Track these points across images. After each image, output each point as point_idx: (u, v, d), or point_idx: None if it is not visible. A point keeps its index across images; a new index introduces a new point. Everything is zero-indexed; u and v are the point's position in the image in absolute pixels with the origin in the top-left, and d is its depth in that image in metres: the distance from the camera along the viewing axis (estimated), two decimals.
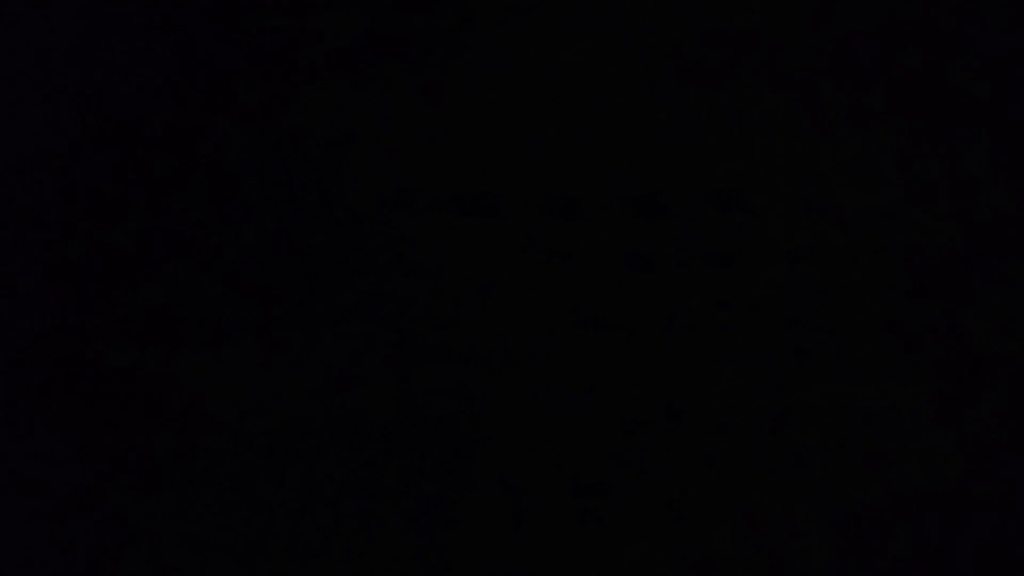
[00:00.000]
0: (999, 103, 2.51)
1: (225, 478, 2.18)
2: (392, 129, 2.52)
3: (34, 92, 2.49)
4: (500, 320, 2.35)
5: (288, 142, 2.50)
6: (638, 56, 2.57)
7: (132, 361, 2.31)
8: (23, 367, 2.31)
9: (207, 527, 2.13)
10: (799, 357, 2.32)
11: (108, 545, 2.11)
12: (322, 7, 2.56)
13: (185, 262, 2.40)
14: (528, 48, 2.58)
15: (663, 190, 2.45)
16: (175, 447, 2.21)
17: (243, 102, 2.52)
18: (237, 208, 2.44)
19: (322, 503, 2.17)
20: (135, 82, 2.50)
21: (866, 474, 2.19)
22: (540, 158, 2.49)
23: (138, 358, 2.32)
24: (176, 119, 2.50)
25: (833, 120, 2.50)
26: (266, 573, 2.10)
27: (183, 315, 2.36)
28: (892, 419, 2.26)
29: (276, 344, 2.33)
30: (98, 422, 2.24)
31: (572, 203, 2.45)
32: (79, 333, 2.34)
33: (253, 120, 2.51)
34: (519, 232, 2.42)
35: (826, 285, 2.39)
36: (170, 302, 2.37)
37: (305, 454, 2.21)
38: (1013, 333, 2.35)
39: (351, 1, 2.56)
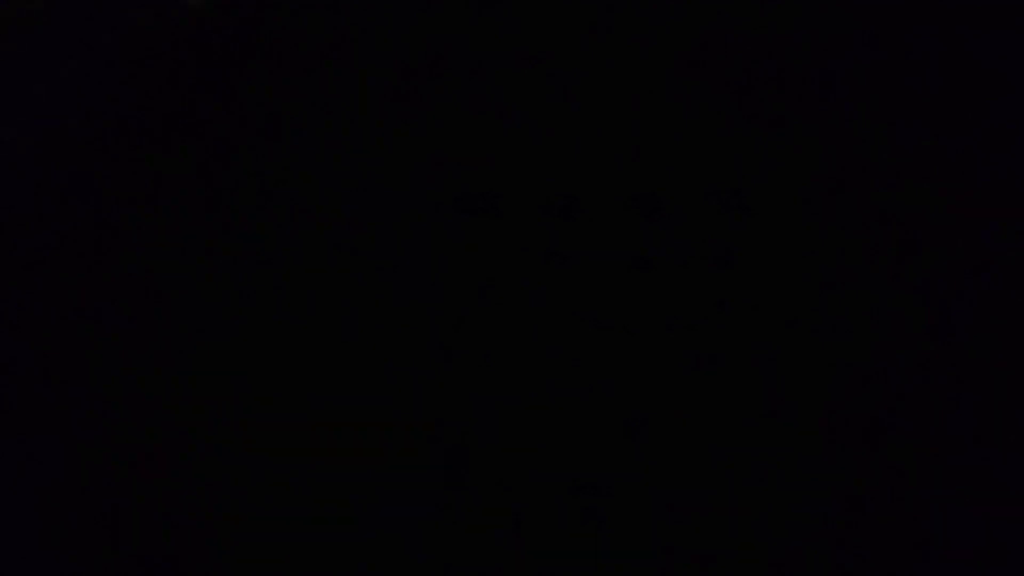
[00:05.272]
0: (1000, 103, 2.51)
1: (222, 477, 2.18)
2: (391, 128, 2.52)
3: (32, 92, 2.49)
4: (500, 320, 2.35)
5: (285, 142, 2.50)
6: (638, 55, 2.57)
7: (130, 358, 2.31)
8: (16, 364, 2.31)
9: (201, 526, 2.13)
10: (799, 357, 2.32)
11: (103, 544, 2.11)
12: (319, 6, 2.56)
13: (180, 258, 2.40)
14: (528, 47, 2.58)
15: (663, 190, 2.45)
16: (172, 445, 2.21)
17: (240, 100, 2.52)
18: (234, 207, 2.45)
19: (320, 502, 2.17)
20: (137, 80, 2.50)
21: (868, 475, 2.19)
22: (540, 158, 2.49)
23: (136, 355, 2.32)
24: (172, 115, 2.50)
25: (833, 120, 2.51)
26: (262, 572, 2.10)
27: (179, 312, 2.36)
28: (893, 419, 2.26)
29: (274, 343, 2.33)
30: (95, 419, 2.25)
31: (572, 203, 2.45)
32: (78, 329, 2.34)
33: (252, 118, 2.51)
34: (519, 232, 2.42)
35: (826, 285, 2.39)
36: (165, 299, 2.37)
37: (303, 453, 2.21)
38: (1014, 334, 2.35)
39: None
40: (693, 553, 2.14)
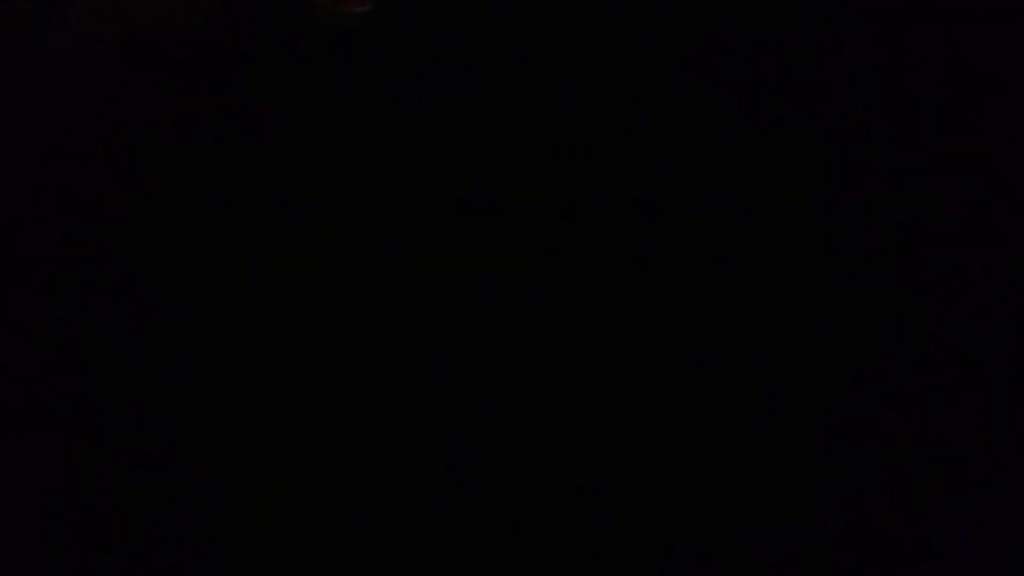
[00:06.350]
0: (1000, 103, 2.51)
1: (221, 477, 2.18)
2: (391, 128, 2.52)
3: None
4: (500, 320, 2.35)
5: (286, 141, 2.50)
6: (638, 55, 2.57)
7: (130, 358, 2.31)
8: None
9: (201, 526, 2.13)
10: (799, 357, 2.32)
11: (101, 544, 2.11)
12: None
13: (179, 258, 2.40)
14: (528, 47, 2.58)
15: (663, 190, 2.45)
16: (171, 445, 2.21)
17: (240, 99, 2.52)
18: (234, 207, 2.45)
19: (319, 503, 2.17)
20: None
21: (868, 475, 2.19)
22: (540, 158, 2.48)
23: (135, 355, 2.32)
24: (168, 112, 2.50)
25: (833, 120, 2.51)
26: (262, 572, 2.10)
27: (179, 312, 2.35)
28: (894, 420, 2.26)
29: (274, 343, 2.33)
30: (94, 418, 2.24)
31: (572, 203, 2.45)
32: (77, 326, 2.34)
33: (251, 117, 2.51)
34: (519, 232, 2.42)
35: (826, 285, 2.39)
36: (165, 299, 2.37)
37: (304, 454, 2.21)
38: (1013, 334, 2.35)
39: None
40: (693, 553, 2.14)
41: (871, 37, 2.55)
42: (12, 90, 2.45)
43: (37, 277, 2.38)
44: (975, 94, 2.51)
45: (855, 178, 2.47)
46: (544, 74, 2.55)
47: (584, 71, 2.54)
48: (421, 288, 2.38)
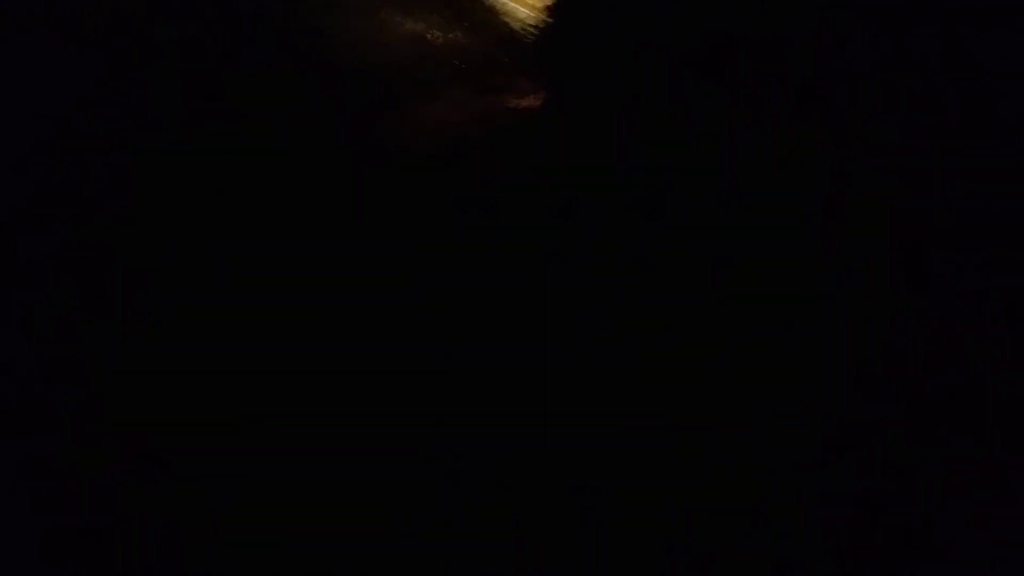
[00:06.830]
0: (1000, 103, 2.51)
1: (216, 476, 2.18)
2: (391, 129, 2.52)
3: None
4: (500, 320, 2.35)
5: (285, 142, 2.50)
6: (638, 55, 2.57)
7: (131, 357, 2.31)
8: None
9: (195, 525, 2.13)
10: (799, 357, 2.32)
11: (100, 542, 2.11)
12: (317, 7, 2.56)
13: (181, 258, 2.40)
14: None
15: (663, 190, 2.45)
16: (171, 446, 2.21)
17: (239, 99, 2.52)
18: (234, 207, 2.45)
19: (319, 502, 2.17)
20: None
21: (868, 475, 2.19)
22: (540, 158, 2.49)
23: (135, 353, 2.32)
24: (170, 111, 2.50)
25: (833, 120, 2.51)
26: (262, 572, 2.11)
27: (181, 313, 2.36)
28: (893, 420, 2.26)
29: (274, 344, 2.33)
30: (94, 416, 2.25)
31: (572, 203, 2.45)
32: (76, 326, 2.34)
33: (251, 118, 2.51)
34: (519, 232, 2.42)
35: (826, 285, 2.39)
36: (167, 299, 2.37)
37: (304, 452, 2.21)
38: (1014, 335, 2.35)
39: None
40: (693, 553, 2.14)
41: (871, 37, 2.55)
42: (12, 89, 2.46)
43: (37, 277, 2.38)
44: (975, 94, 2.51)
45: (855, 178, 2.47)
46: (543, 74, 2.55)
47: (584, 71, 2.55)
48: (421, 288, 2.38)
